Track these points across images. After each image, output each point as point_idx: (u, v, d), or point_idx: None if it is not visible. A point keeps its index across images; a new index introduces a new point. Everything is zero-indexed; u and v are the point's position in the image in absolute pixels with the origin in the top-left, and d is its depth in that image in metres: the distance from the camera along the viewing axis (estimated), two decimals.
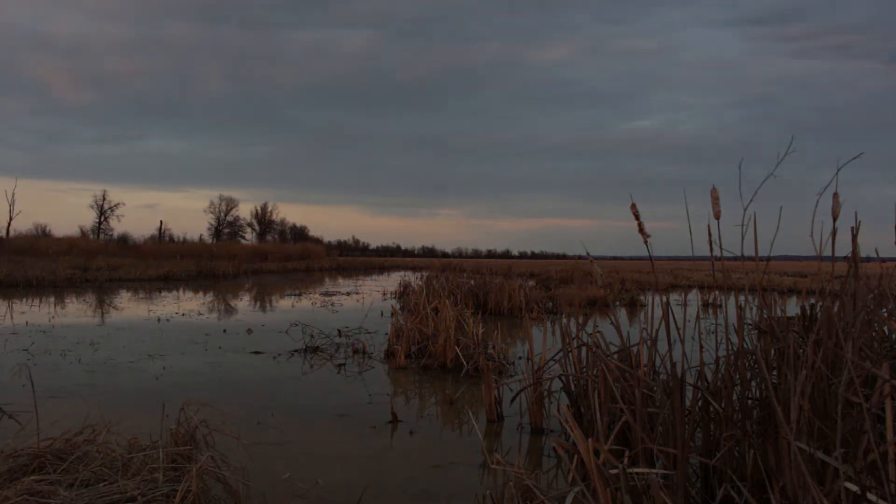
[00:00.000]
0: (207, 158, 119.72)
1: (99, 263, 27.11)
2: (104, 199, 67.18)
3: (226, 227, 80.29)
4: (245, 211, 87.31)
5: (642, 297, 15.86)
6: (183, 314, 12.02)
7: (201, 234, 74.22)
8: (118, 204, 68.02)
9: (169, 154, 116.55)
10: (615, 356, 3.79)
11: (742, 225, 2.82)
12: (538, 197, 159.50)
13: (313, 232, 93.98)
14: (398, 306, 13.53)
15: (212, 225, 79.45)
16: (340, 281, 30.73)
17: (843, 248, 2.88)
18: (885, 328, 3.33)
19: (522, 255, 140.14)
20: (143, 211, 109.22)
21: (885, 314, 3.36)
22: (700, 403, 2.96)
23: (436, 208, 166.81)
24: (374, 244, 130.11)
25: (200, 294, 18.50)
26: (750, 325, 3.07)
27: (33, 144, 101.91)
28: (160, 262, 31.90)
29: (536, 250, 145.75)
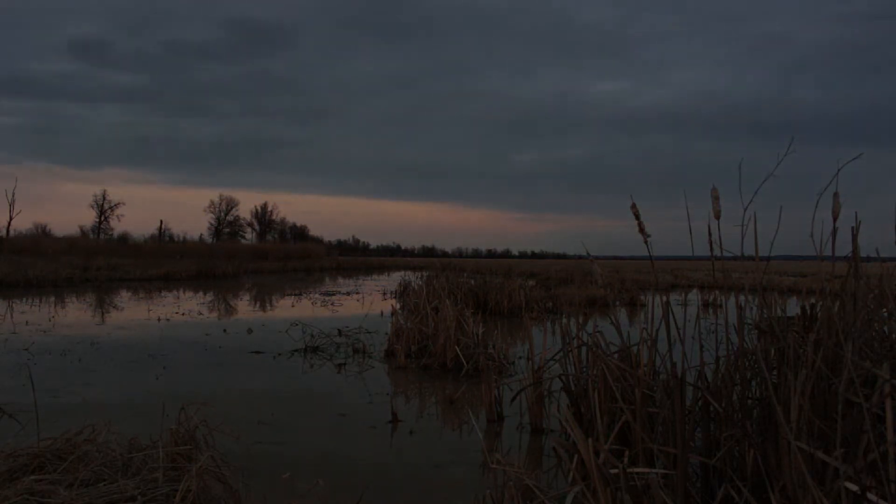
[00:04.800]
0: None
1: (99, 263, 27.10)
2: (104, 198, 67.28)
3: (226, 227, 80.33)
4: (245, 210, 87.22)
5: (642, 297, 15.86)
6: (183, 314, 12.02)
7: (201, 234, 74.37)
8: (119, 203, 68.13)
9: None
10: (615, 356, 3.78)
11: (742, 225, 2.82)
12: None
13: (313, 231, 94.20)
14: (398, 306, 13.53)
15: (212, 224, 79.53)
16: (340, 281, 30.73)
17: (844, 247, 2.88)
18: (885, 328, 3.33)
19: (522, 255, 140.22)
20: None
21: (886, 314, 3.36)
22: (700, 403, 2.96)
23: None
24: (374, 244, 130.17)
25: (200, 294, 18.50)
26: (750, 325, 3.07)
27: None
28: (160, 262, 31.88)
29: (536, 250, 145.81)
